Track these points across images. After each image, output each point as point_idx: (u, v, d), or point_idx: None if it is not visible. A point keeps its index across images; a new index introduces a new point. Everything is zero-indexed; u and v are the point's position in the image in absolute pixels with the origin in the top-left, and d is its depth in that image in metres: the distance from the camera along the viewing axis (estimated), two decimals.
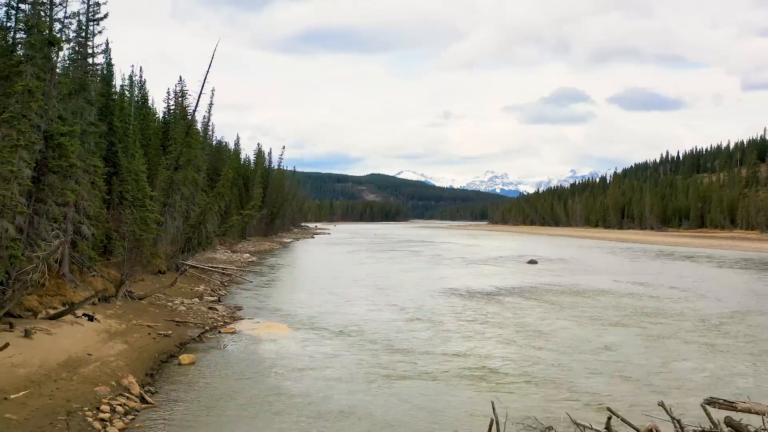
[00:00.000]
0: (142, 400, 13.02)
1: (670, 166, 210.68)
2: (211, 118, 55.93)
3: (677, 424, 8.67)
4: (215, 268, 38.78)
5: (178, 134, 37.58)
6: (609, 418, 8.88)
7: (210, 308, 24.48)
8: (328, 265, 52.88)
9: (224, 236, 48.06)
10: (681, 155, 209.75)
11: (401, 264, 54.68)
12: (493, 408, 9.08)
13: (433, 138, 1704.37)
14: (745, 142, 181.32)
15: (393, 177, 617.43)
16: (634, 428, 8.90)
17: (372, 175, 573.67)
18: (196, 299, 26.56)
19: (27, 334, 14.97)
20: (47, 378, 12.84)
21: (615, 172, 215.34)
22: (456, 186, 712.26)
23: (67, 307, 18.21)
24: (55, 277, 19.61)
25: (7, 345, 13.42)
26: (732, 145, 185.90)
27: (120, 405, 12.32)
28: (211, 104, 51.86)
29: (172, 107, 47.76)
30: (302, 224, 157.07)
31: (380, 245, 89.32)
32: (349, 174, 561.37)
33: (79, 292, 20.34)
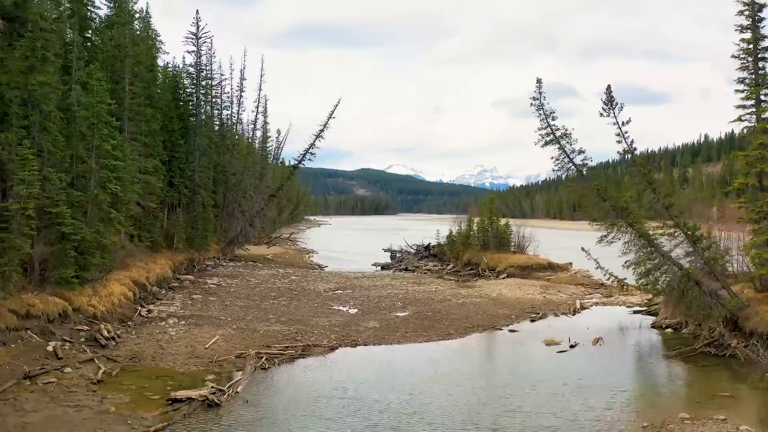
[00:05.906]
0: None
1: (626, 165, 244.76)
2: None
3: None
4: (286, 238, 76.27)
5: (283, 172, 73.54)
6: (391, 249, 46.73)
7: (303, 248, 62.23)
8: (339, 238, 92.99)
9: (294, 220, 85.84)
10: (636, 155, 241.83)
11: (380, 237, 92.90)
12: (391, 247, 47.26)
13: (424, 132, 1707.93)
14: (694, 143, 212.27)
15: (383, 171, 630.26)
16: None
17: (362, 169, 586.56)
18: (293, 245, 64.16)
19: (269, 245, 52.67)
20: (280, 253, 50.99)
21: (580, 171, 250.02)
22: (446, 180, 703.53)
23: (267, 243, 55.87)
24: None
25: (270, 246, 51.16)
26: (675, 148, 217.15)
27: (312, 259, 50.39)
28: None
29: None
30: (304, 217, 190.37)
31: (371, 230, 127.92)
32: (340, 169, 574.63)
33: (265, 239, 58.16)
